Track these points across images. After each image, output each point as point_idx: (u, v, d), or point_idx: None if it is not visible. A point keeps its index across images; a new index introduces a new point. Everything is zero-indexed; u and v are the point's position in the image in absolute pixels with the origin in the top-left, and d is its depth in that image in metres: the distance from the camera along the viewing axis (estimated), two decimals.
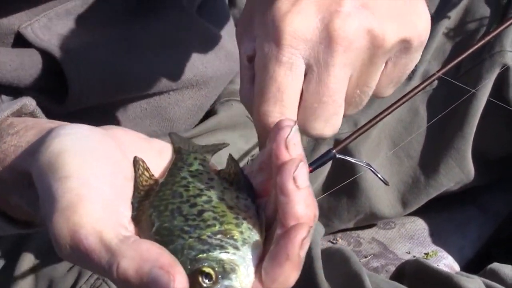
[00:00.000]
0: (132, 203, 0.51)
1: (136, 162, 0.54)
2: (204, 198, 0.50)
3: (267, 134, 0.53)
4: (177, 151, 0.59)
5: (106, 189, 0.50)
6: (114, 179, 0.52)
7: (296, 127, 0.49)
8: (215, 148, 0.64)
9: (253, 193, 0.52)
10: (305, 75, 0.54)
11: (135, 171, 0.54)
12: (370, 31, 0.54)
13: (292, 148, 0.49)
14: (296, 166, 0.48)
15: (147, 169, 0.53)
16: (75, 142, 0.53)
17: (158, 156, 0.58)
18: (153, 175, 0.53)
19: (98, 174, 0.51)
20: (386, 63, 0.58)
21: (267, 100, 0.53)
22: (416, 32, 0.57)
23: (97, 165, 0.52)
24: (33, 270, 0.88)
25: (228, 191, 0.51)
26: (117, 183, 0.52)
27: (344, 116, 0.57)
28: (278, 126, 0.50)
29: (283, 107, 0.53)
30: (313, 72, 0.54)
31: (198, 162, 0.56)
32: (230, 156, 0.55)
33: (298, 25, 0.54)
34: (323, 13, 0.54)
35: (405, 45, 0.57)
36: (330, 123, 0.55)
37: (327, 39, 0.53)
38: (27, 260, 0.88)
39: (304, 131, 0.55)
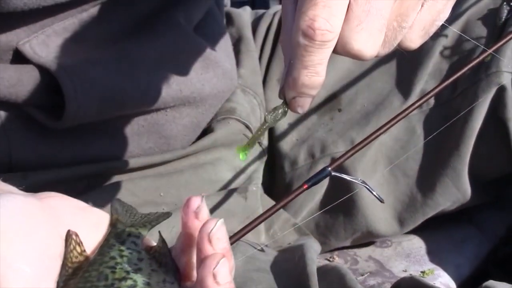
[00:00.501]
0: (58, 282, 0.50)
1: (68, 236, 0.53)
2: (129, 282, 0.49)
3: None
4: (113, 224, 0.58)
5: (29, 269, 0.49)
6: (40, 259, 0.51)
7: (221, 220, 0.50)
8: (156, 220, 0.63)
9: (179, 277, 0.53)
10: None
11: (66, 246, 0.53)
12: None
13: (216, 243, 0.50)
14: (217, 262, 0.49)
15: (79, 244, 0.52)
16: (2, 220, 0.52)
17: (94, 229, 0.58)
18: (84, 251, 0.52)
19: (22, 255, 0.50)
20: (422, 6, 0.57)
21: (316, 4, 0.52)
22: None
23: (23, 245, 0.51)
24: None
25: (155, 274, 0.51)
26: (43, 262, 0.51)
27: (377, 56, 0.57)
28: (197, 215, 0.53)
29: (331, 13, 0.52)
30: None
31: (131, 240, 0.56)
32: (160, 236, 0.54)
33: None
34: None
35: None
36: (372, 39, 0.54)
37: None
38: None
39: (345, 45, 0.54)
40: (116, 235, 0.57)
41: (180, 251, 0.56)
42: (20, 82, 0.86)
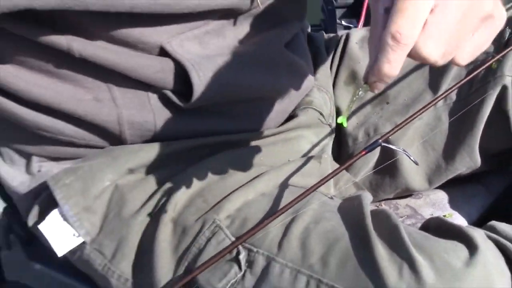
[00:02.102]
0: None
1: None
2: None
3: (393, 50, 0.57)
4: None
5: None
6: None
7: None
8: None
9: None
10: (431, 10, 0.57)
11: None
12: None
13: None
14: None
15: None
16: None
17: None
18: None
19: None
20: (473, 34, 0.62)
21: (405, 17, 0.56)
22: (500, 14, 0.62)
23: None
24: (173, 220, 0.90)
25: None
26: None
27: (436, 64, 0.60)
28: None
29: (414, 24, 0.56)
30: (437, 7, 0.57)
31: None
32: None
33: None
34: None
35: (491, 21, 0.61)
36: (437, 50, 0.58)
37: None
38: (169, 211, 0.89)
39: (418, 50, 0.58)
40: None
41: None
42: (162, 70, 0.90)
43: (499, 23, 0.63)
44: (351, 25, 1.46)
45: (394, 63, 0.57)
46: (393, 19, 0.56)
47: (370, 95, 1.19)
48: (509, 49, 0.94)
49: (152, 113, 0.93)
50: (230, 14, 0.95)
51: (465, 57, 0.62)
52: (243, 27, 0.98)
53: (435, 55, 0.58)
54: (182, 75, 0.90)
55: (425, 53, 0.58)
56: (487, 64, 0.88)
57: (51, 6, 0.76)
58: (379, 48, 0.57)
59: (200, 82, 0.90)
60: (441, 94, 0.82)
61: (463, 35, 0.59)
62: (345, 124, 0.67)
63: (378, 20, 0.60)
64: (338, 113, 1.22)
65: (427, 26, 0.57)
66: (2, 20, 0.76)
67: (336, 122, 1.19)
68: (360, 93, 0.66)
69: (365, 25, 1.47)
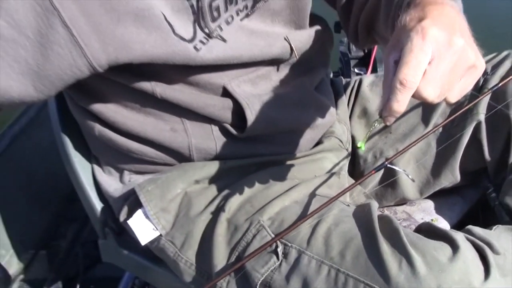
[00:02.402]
0: None
1: None
2: None
3: (402, 93, 0.56)
4: None
5: None
6: None
7: None
8: None
9: None
10: (429, 62, 0.57)
11: None
12: (466, 50, 0.59)
13: None
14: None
15: None
16: None
17: None
18: None
19: None
20: (460, 79, 0.61)
21: (410, 67, 0.56)
22: (481, 64, 0.62)
23: None
24: (227, 220, 0.88)
25: None
26: None
27: (432, 103, 0.59)
28: None
29: (416, 73, 0.56)
30: (434, 60, 0.58)
31: None
32: None
33: (435, 32, 0.58)
34: (447, 31, 0.59)
35: (474, 69, 0.61)
36: (434, 92, 0.58)
37: (446, 45, 0.58)
38: (225, 213, 0.87)
39: (419, 92, 0.57)
40: None
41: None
42: (223, 108, 0.89)
43: (480, 71, 0.62)
44: (361, 72, 1.46)
45: (401, 102, 0.57)
46: (400, 69, 0.57)
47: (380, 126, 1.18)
48: (483, 95, 0.95)
49: (214, 141, 0.93)
50: (274, 62, 0.94)
51: (455, 97, 0.62)
52: (283, 72, 0.97)
53: (432, 96, 0.58)
54: (238, 111, 0.89)
55: (425, 95, 0.58)
56: (467, 107, 0.87)
57: (147, 60, 0.76)
58: (390, 91, 0.57)
59: (252, 117, 0.89)
60: (432, 129, 0.82)
61: (453, 81, 0.60)
62: (363, 148, 0.64)
63: (390, 70, 0.60)
64: (353, 139, 1.19)
65: (426, 75, 0.57)
66: (108, 71, 0.76)
67: (355, 146, 1.17)
68: (376, 124, 0.67)
69: (372, 72, 1.46)
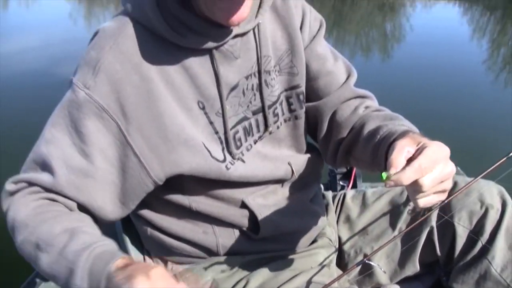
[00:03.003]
0: None
1: None
2: None
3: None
4: None
5: None
6: None
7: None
8: None
9: None
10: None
11: None
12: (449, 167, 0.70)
13: None
14: None
15: None
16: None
17: None
18: None
19: None
20: (437, 190, 0.72)
21: (427, 159, 0.67)
22: (452, 173, 0.72)
23: None
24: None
25: None
26: None
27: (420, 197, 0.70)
28: None
29: (431, 165, 0.67)
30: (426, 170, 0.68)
31: None
32: None
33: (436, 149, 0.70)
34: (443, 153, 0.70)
35: (449, 180, 0.72)
36: (419, 198, 0.69)
37: (419, 171, 0.69)
38: None
39: (422, 179, 0.68)
40: None
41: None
42: (241, 217, 0.99)
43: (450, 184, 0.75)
44: (345, 184, 1.71)
45: (409, 179, 0.71)
46: (420, 158, 0.71)
47: (362, 225, 1.26)
48: (435, 209, 1.09)
49: (235, 241, 1.06)
50: (280, 181, 1.08)
51: (427, 202, 0.74)
52: (286, 188, 1.10)
53: (422, 201, 0.73)
54: (253, 219, 1.03)
55: (424, 183, 0.72)
56: (424, 217, 1.01)
57: (192, 173, 0.89)
58: (400, 172, 0.70)
59: (263, 223, 1.02)
60: (399, 234, 1.00)
61: (437, 185, 0.73)
62: (384, 178, 0.72)
63: (402, 153, 0.74)
64: (340, 239, 1.28)
65: (407, 171, 0.72)
66: (160, 191, 0.93)
67: (341, 243, 1.26)
68: (383, 174, 0.73)
69: (353, 185, 1.72)
